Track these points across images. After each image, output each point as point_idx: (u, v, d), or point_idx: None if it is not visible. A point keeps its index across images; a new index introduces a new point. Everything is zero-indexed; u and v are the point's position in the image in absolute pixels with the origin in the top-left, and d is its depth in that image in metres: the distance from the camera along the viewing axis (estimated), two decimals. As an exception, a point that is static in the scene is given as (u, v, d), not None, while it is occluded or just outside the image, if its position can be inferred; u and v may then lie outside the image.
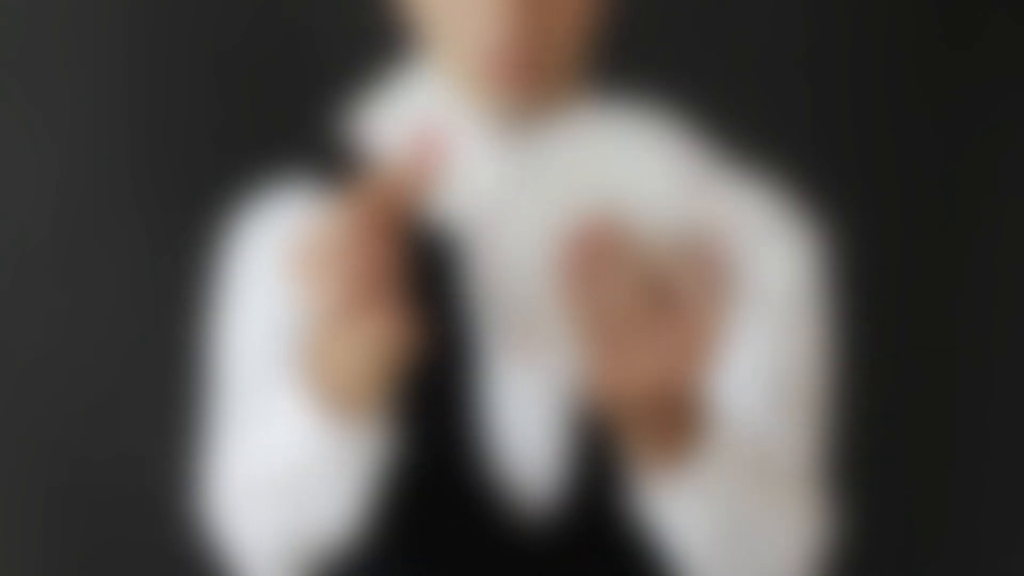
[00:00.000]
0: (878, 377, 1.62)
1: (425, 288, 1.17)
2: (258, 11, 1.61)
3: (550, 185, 1.19)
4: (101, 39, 1.61)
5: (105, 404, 1.63)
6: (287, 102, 1.61)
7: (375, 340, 1.02)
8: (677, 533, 1.12)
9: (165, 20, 1.61)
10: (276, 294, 1.20)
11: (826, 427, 1.22)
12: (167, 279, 1.61)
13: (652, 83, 1.58)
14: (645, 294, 1.00)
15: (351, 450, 1.10)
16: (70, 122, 1.61)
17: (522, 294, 1.17)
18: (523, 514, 1.18)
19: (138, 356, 1.63)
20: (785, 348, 1.18)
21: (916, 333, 1.65)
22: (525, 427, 1.17)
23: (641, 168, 1.20)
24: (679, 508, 1.10)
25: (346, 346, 1.03)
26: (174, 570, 1.63)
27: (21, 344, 1.63)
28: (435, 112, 1.17)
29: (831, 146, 1.62)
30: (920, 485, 1.67)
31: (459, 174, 1.18)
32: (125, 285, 1.63)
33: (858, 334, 1.53)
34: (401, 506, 1.18)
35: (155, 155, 1.62)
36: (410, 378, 1.16)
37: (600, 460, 1.17)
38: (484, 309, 1.17)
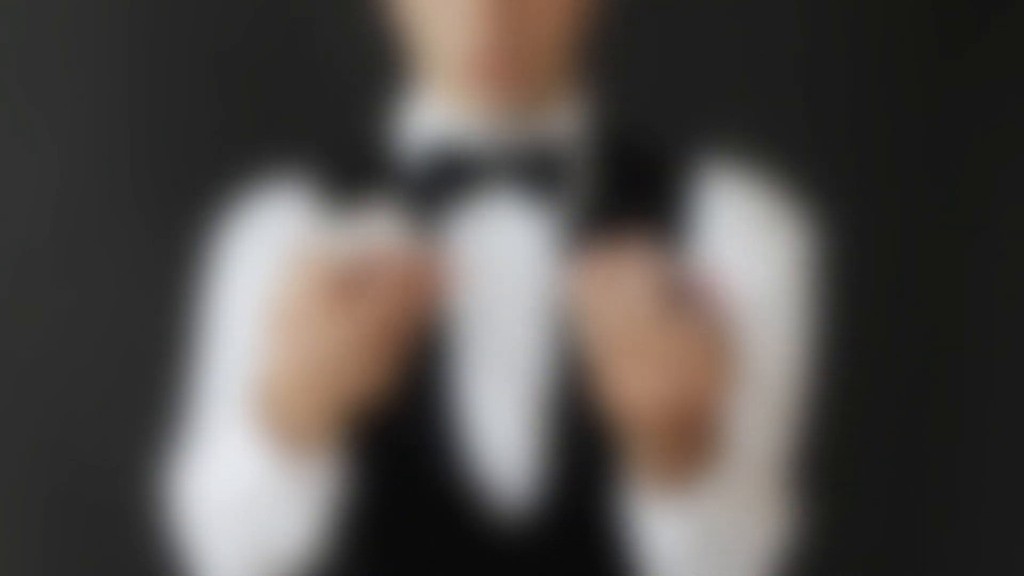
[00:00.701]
0: (877, 377, 1.62)
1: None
2: (258, 11, 1.61)
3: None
4: (101, 39, 1.61)
5: (106, 405, 1.63)
6: (287, 102, 1.61)
7: (345, 396, 1.04)
8: (657, 541, 1.11)
9: (165, 20, 1.61)
10: (255, 307, 1.20)
11: (804, 426, 1.22)
12: (168, 279, 1.61)
13: (644, 82, 1.58)
14: (656, 304, 1.00)
15: (303, 482, 1.10)
16: (70, 122, 1.61)
17: (499, 304, 1.17)
18: (502, 520, 1.18)
19: (139, 356, 1.63)
20: (763, 347, 1.17)
21: (915, 336, 1.65)
22: (503, 435, 1.17)
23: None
24: (666, 521, 1.10)
25: (312, 396, 1.05)
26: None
27: (21, 344, 1.63)
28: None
29: (828, 149, 1.62)
30: (915, 485, 1.67)
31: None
32: (125, 285, 1.63)
33: (854, 337, 1.53)
34: (381, 518, 1.18)
35: (155, 155, 1.62)
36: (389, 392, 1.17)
37: (577, 465, 1.16)
38: (462, 319, 1.18)
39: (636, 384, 1.01)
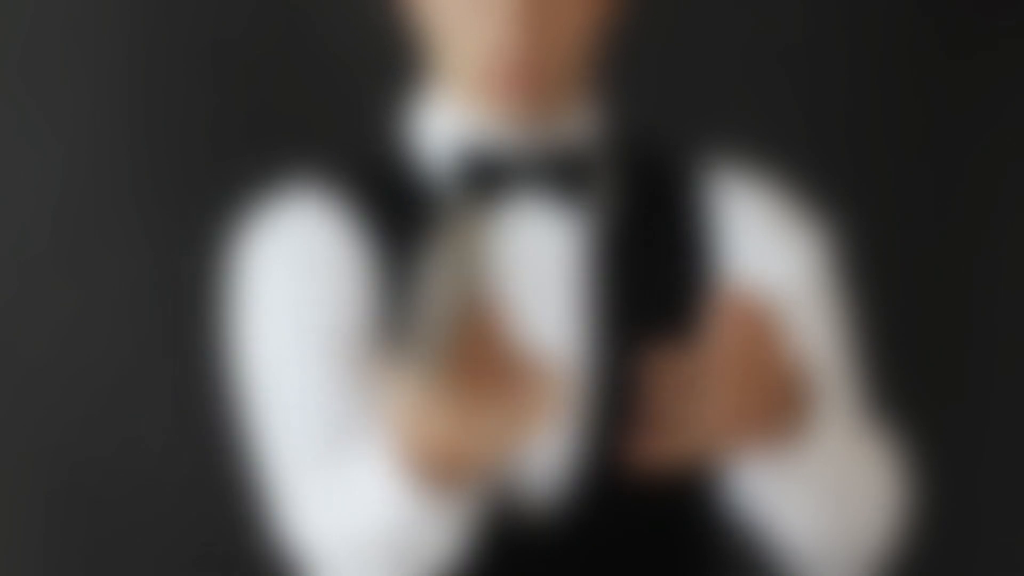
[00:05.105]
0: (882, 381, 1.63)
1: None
2: (263, 9, 1.60)
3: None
4: (103, 39, 1.60)
5: (107, 404, 1.62)
6: (291, 102, 1.60)
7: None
8: (781, 516, 1.12)
9: (168, 19, 1.60)
10: (304, 310, 1.19)
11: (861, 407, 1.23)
12: (168, 279, 1.61)
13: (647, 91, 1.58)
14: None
15: (442, 520, 1.09)
16: (72, 122, 1.60)
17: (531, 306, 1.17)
18: (539, 510, 1.17)
19: (140, 356, 1.62)
20: (812, 344, 1.18)
21: (919, 338, 1.65)
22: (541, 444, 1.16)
23: None
24: (784, 490, 1.10)
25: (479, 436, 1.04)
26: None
27: (23, 345, 1.62)
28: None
29: (831, 150, 1.62)
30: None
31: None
32: (126, 285, 1.62)
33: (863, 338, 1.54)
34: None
35: (157, 155, 1.61)
36: None
37: (615, 466, 1.16)
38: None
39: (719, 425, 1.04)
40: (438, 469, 1.05)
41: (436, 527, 1.09)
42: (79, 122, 1.60)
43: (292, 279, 1.20)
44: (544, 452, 1.16)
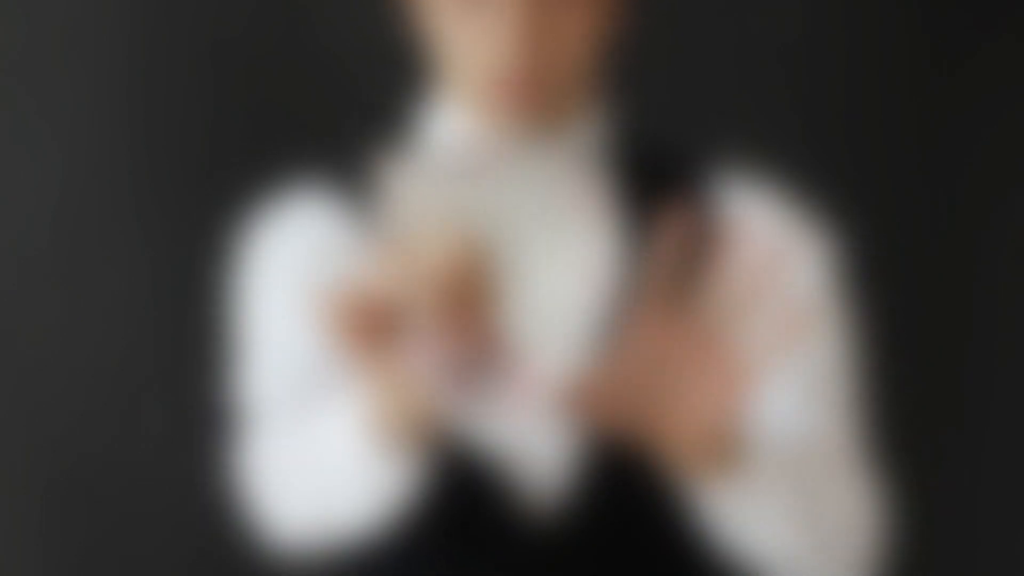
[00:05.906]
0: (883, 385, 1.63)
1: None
2: (263, 14, 1.60)
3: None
4: (103, 39, 1.61)
5: (105, 401, 1.63)
6: (291, 105, 1.60)
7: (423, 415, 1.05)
8: (743, 534, 1.12)
9: (167, 19, 1.60)
10: (299, 307, 1.20)
11: (863, 419, 1.23)
12: (166, 278, 1.61)
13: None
14: (689, 333, 1.03)
15: (384, 474, 1.10)
16: (72, 123, 1.61)
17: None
18: (535, 514, 1.17)
19: (137, 354, 1.63)
20: (817, 351, 1.18)
21: (918, 345, 1.65)
22: (536, 429, 1.16)
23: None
24: (738, 510, 1.10)
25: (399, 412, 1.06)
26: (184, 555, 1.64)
27: (21, 348, 1.62)
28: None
29: (832, 152, 1.63)
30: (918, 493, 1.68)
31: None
32: (125, 284, 1.63)
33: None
34: (417, 510, 1.18)
35: (156, 156, 1.61)
36: None
37: (614, 461, 1.16)
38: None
39: (668, 416, 1.04)
40: (398, 427, 1.07)
41: (385, 479, 1.10)
42: (79, 123, 1.61)
43: (292, 272, 1.21)
44: (535, 445, 1.16)
